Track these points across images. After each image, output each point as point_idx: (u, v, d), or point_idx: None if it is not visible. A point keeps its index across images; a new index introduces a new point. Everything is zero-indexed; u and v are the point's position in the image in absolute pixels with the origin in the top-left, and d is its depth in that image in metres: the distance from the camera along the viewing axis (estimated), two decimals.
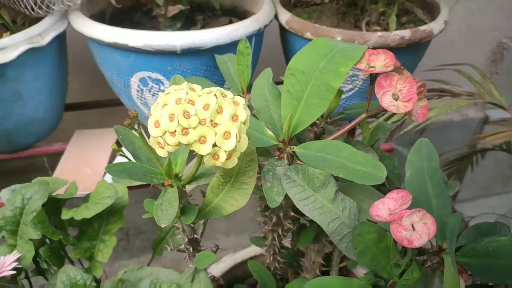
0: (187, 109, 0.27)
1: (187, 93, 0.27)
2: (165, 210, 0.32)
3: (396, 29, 0.62)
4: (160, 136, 0.27)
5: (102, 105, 0.81)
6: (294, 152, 0.38)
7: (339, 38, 0.59)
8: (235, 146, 0.27)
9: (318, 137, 0.48)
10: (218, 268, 0.60)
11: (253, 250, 0.63)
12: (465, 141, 1.20)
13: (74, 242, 0.48)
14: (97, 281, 0.51)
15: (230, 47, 0.58)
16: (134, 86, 0.59)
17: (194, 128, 0.26)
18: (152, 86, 0.59)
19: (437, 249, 0.34)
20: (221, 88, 0.28)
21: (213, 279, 0.60)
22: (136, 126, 0.31)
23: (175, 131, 0.26)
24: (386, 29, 0.65)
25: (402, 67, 0.37)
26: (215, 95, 0.27)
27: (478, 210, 1.21)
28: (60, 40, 0.62)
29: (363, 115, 0.39)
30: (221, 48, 0.57)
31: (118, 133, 0.36)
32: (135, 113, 0.34)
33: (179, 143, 0.27)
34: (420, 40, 0.60)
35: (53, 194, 0.49)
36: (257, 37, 0.62)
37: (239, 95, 0.54)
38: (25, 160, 0.82)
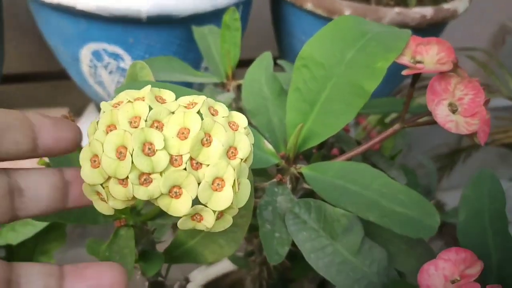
0: (150, 137, 0.15)
1: (150, 108, 0.16)
2: None
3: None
4: (101, 184, 0.15)
5: (54, 77, 0.67)
6: (301, 173, 0.28)
7: (347, 13, 0.48)
8: (232, 201, 0.16)
9: (327, 146, 0.38)
10: None
11: (229, 264, 0.53)
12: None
13: None
14: None
15: (212, 17, 0.45)
16: (85, 61, 0.46)
17: (161, 173, 0.15)
18: (108, 62, 0.46)
19: None
20: (209, 99, 0.17)
21: None
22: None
23: (127, 177, 0.15)
24: (398, 4, 0.54)
25: (459, 65, 0.27)
26: (198, 111, 0.16)
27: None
28: None
29: (398, 126, 0.28)
30: (200, 17, 0.44)
31: None
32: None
33: (134, 197, 0.15)
34: (443, 20, 0.50)
35: None
36: (244, 5, 0.50)
37: (222, 82, 0.43)
38: None
